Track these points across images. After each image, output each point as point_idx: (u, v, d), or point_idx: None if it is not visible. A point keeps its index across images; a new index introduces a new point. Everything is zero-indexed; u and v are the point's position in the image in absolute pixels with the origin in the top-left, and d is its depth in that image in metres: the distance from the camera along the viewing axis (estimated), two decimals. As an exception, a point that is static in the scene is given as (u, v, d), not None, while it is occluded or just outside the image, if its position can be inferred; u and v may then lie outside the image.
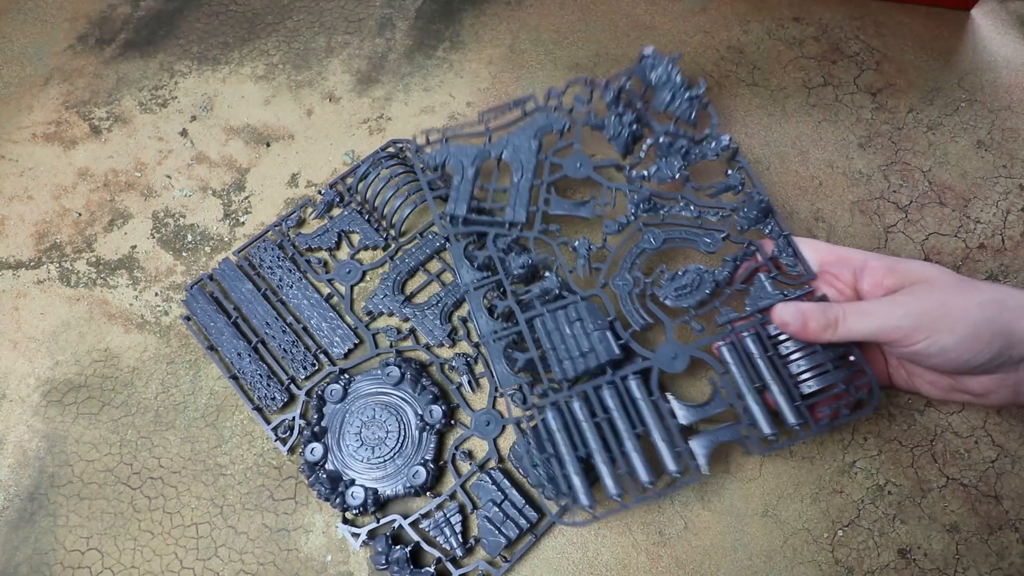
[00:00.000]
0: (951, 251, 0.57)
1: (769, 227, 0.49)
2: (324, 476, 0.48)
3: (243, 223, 0.61)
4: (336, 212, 0.60)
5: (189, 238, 0.60)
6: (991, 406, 0.40)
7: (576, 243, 0.51)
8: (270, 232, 0.59)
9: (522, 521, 0.46)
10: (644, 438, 0.43)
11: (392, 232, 0.57)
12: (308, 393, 0.52)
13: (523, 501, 0.47)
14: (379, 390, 0.51)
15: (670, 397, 0.44)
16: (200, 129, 0.67)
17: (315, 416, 0.50)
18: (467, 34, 0.71)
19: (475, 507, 0.48)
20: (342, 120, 0.66)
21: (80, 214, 0.62)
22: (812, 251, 0.46)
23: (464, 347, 0.53)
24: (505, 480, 0.47)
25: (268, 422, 0.51)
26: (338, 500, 0.47)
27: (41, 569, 0.47)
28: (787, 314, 0.40)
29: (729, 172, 0.52)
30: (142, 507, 0.49)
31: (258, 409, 0.52)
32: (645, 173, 0.53)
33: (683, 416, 0.43)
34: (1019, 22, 0.70)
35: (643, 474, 0.42)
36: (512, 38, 0.71)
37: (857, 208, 0.59)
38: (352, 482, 0.48)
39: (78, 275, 0.59)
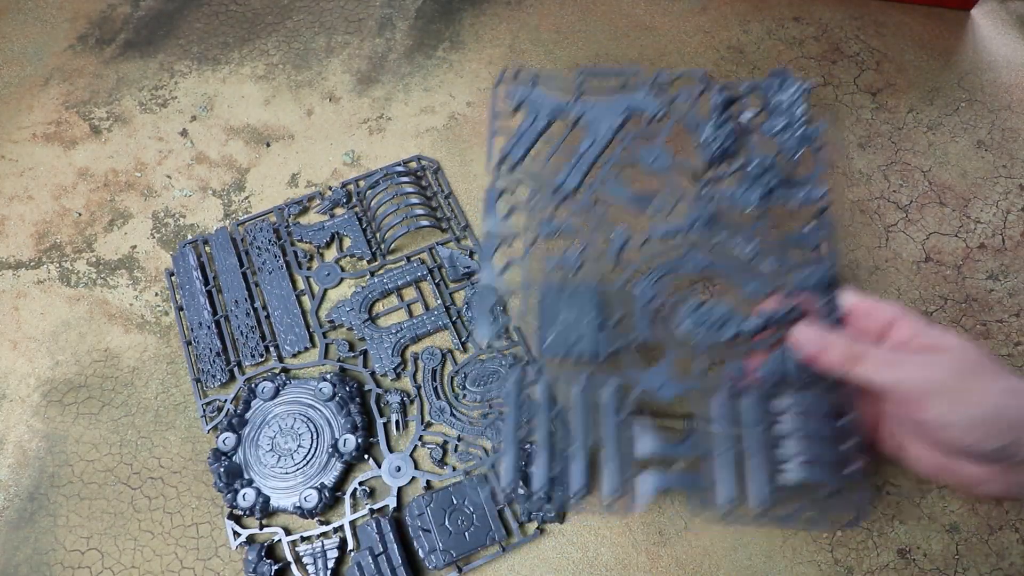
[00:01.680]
0: (951, 250, 0.57)
1: (825, 301, 0.43)
2: (225, 468, 0.47)
3: (243, 223, 0.61)
4: (339, 212, 0.60)
5: (189, 238, 0.60)
6: (977, 496, 0.38)
7: (613, 232, 0.46)
8: (271, 214, 0.60)
9: None
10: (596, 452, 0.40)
11: (381, 248, 0.57)
12: (248, 381, 0.52)
13: (401, 561, 0.44)
14: (308, 402, 0.51)
15: (641, 422, 0.40)
16: (200, 129, 0.67)
17: (242, 407, 0.50)
18: (467, 34, 0.71)
19: (356, 548, 0.46)
20: (342, 120, 0.66)
21: (80, 214, 0.62)
22: (842, 300, 0.42)
23: (406, 384, 0.52)
24: (392, 533, 0.45)
25: (204, 396, 0.52)
26: (229, 495, 0.47)
27: (41, 569, 0.47)
28: (806, 336, 0.37)
29: (807, 228, 0.46)
30: (142, 507, 0.49)
31: (198, 380, 0.52)
32: (720, 193, 0.48)
33: (643, 446, 0.40)
34: (1019, 22, 0.70)
35: (576, 484, 0.39)
36: (512, 38, 0.71)
37: (857, 208, 0.59)
38: (250, 482, 0.48)
39: (78, 275, 0.59)
